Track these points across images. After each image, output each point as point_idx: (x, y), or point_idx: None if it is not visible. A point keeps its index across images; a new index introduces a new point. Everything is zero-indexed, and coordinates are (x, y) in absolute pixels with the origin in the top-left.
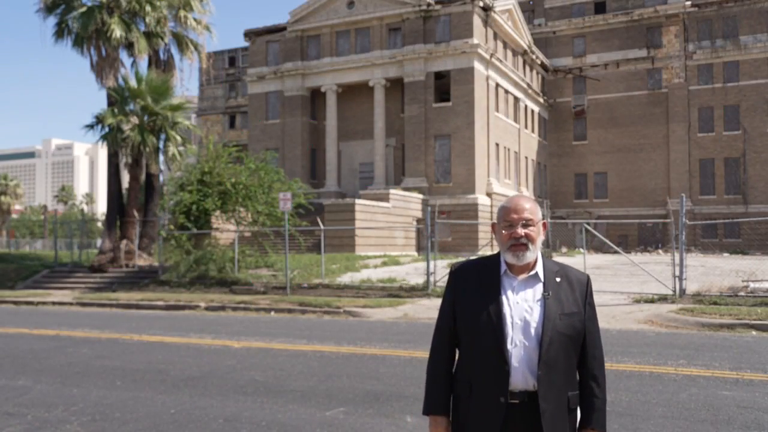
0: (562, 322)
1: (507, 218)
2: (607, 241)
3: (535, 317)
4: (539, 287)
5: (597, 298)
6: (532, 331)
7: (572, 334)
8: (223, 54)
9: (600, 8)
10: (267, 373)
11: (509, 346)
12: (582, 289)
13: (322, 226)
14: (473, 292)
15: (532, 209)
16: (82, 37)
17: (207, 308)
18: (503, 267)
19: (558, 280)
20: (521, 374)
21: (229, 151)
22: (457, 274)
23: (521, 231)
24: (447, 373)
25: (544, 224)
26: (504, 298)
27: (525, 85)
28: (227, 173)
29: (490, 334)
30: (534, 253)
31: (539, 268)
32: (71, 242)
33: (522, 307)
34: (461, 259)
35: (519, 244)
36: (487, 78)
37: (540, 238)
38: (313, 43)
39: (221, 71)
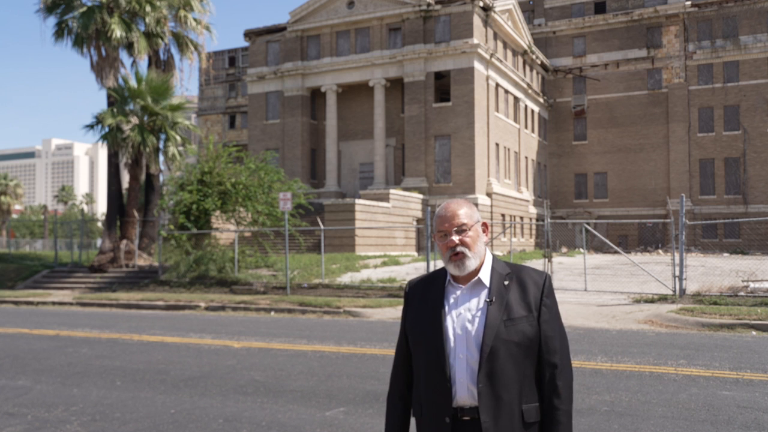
0: (508, 329)
1: (440, 228)
2: (607, 241)
3: (476, 326)
4: (484, 293)
5: (597, 298)
6: (473, 341)
7: (521, 340)
8: (223, 54)
9: (600, 8)
10: (267, 373)
11: (451, 360)
12: (537, 290)
13: (322, 226)
14: (419, 307)
15: (466, 213)
16: (82, 37)
17: (207, 308)
18: (448, 277)
19: (506, 283)
20: (466, 389)
21: (229, 151)
22: (408, 291)
23: (456, 239)
24: (401, 398)
25: (484, 225)
26: (445, 309)
27: (525, 85)
28: (227, 173)
29: (432, 349)
30: (475, 260)
31: (484, 273)
32: (71, 242)
33: (464, 317)
34: None
35: (456, 254)
36: (487, 78)
37: (480, 242)
38: (313, 43)
39: (221, 71)
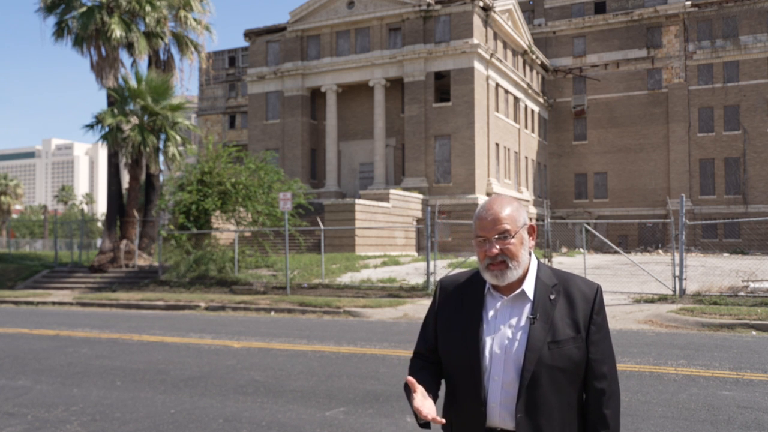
0: (552, 353)
1: (480, 233)
2: (607, 241)
3: (516, 347)
4: (527, 308)
5: None
6: (512, 364)
7: (567, 366)
8: (223, 54)
9: (600, 8)
10: (267, 373)
11: (485, 382)
12: (586, 306)
13: (322, 226)
14: (453, 315)
15: (510, 216)
16: (82, 37)
17: (207, 308)
18: (488, 284)
19: (552, 297)
20: (497, 415)
21: (229, 151)
22: (440, 291)
23: (496, 248)
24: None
25: (531, 228)
26: (484, 323)
27: (525, 85)
28: (227, 173)
29: (467, 366)
30: (518, 270)
31: (528, 284)
32: (71, 242)
33: (504, 335)
34: (461, 259)
35: (497, 263)
36: (487, 78)
37: (524, 249)
38: (313, 43)
39: (221, 71)
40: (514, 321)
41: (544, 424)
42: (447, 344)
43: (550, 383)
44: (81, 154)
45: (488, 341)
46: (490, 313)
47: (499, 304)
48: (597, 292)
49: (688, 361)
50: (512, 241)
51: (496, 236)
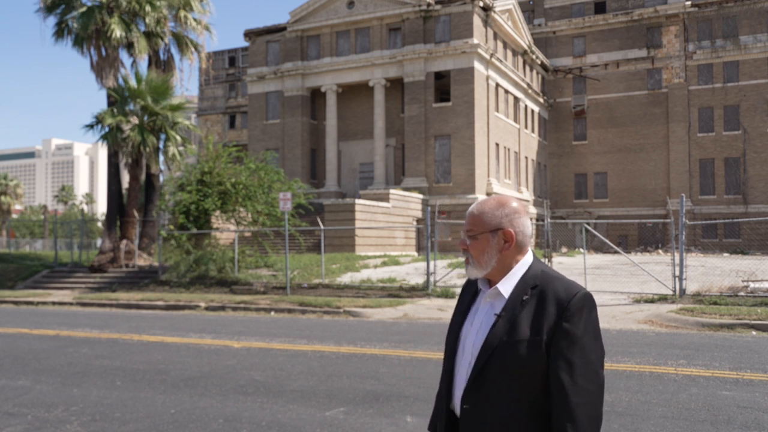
0: (505, 351)
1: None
2: (607, 241)
3: (476, 340)
4: (501, 306)
5: (597, 298)
6: (474, 356)
7: (519, 367)
8: (223, 54)
9: (600, 8)
10: (267, 373)
11: (456, 370)
12: (556, 310)
13: (322, 226)
14: (456, 307)
15: (477, 218)
16: (82, 37)
17: (207, 308)
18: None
19: (525, 298)
20: (457, 399)
21: (229, 151)
22: (463, 285)
23: (465, 243)
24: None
25: (507, 234)
26: (468, 317)
27: (525, 85)
28: (227, 173)
29: (449, 353)
30: (478, 270)
31: (505, 284)
32: (71, 242)
33: (476, 328)
34: (461, 259)
35: (466, 257)
36: (487, 78)
37: (489, 253)
38: (313, 43)
39: (221, 71)
40: (488, 317)
41: (487, 418)
42: (447, 334)
43: (500, 380)
44: (81, 154)
45: (465, 333)
46: (476, 308)
47: (483, 300)
48: (573, 298)
49: (688, 361)
50: (474, 242)
51: (465, 232)
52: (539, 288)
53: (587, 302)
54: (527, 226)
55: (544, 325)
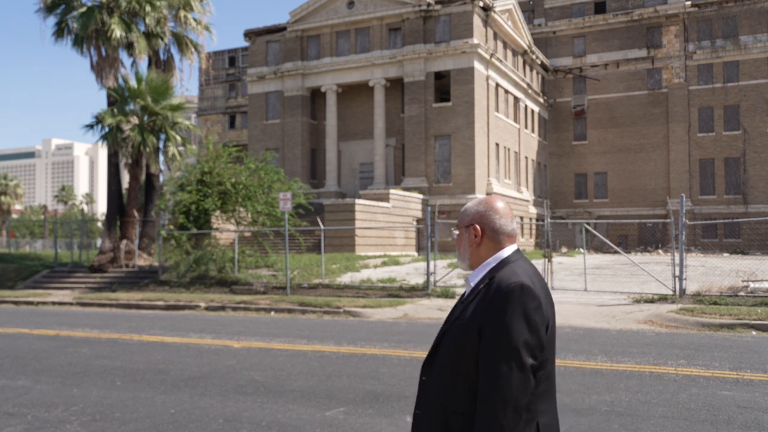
0: (452, 332)
1: None
2: (607, 241)
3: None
4: (468, 293)
5: (597, 298)
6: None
7: (459, 347)
8: (223, 54)
9: (600, 8)
10: (267, 373)
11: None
12: (491, 297)
13: (322, 226)
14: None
15: (462, 213)
16: (82, 37)
17: (207, 308)
18: None
19: (482, 286)
20: None
21: (229, 151)
22: None
23: (454, 237)
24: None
25: (473, 228)
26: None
27: (525, 85)
28: (227, 173)
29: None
30: (460, 261)
31: (474, 274)
32: (71, 242)
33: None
34: None
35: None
36: (487, 78)
37: (464, 245)
38: (313, 43)
39: (221, 71)
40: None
41: (433, 390)
42: None
43: (446, 357)
44: (81, 154)
45: (447, 318)
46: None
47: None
48: (506, 287)
49: (688, 361)
50: (456, 233)
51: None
52: (495, 279)
53: (518, 291)
54: (502, 224)
55: (479, 311)
